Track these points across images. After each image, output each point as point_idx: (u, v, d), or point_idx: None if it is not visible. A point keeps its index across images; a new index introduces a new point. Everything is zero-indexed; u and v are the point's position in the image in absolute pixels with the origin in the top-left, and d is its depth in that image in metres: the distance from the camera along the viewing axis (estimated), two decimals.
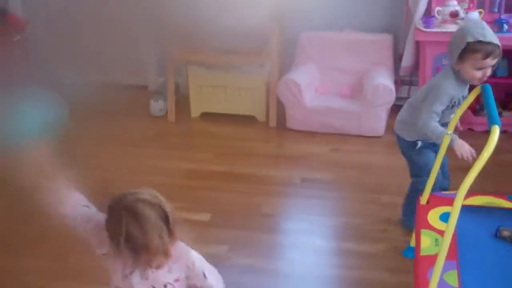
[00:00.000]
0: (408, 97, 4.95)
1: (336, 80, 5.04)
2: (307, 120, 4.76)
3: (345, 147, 4.57)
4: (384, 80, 4.62)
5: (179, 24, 4.85)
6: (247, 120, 5.04)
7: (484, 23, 2.95)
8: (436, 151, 3.06)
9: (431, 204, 2.93)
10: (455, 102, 3.02)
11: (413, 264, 3.00)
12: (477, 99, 4.39)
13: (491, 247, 2.64)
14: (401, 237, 3.38)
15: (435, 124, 2.93)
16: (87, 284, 3.03)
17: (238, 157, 4.43)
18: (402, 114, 3.30)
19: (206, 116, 5.16)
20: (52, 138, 4.22)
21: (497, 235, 2.69)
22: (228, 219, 3.61)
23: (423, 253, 2.56)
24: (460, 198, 2.14)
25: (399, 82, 5.01)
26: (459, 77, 2.98)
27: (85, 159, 4.30)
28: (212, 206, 3.73)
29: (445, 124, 2.96)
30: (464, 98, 3.00)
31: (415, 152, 3.28)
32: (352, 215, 3.64)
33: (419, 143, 3.24)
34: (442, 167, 3.18)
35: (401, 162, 4.08)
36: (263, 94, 4.98)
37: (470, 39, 2.82)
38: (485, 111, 2.53)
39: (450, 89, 2.97)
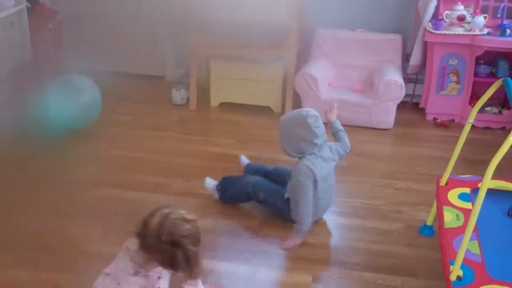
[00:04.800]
0: (413, 95, 5.33)
1: (348, 75, 5.40)
2: (321, 112, 5.06)
3: (357, 138, 4.87)
4: (395, 77, 4.98)
5: (201, 19, 5.15)
6: (263, 110, 5.35)
7: (298, 112, 3.54)
8: None
9: (449, 185, 3.28)
10: None
11: (429, 240, 3.39)
12: (477, 96, 4.77)
13: (504, 223, 3.01)
14: (416, 217, 3.72)
15: None
16: None
17: (258, 144, 4.73)
18: None
19: (225, 105, 5.47)
20: (88, 122, 4.56)
21: (509, 214, 3.06)
22: None
23: (447, 226, 2.91)
24: (488, 178, 2.44)
25: (406, 80, 5.35)
26: None
27: (117, 139, 4.62)
28: None
29: None
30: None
31: None
32: (370, 198, 3.97)
33: None
34: None
35: (410, 152, 4.47)
36: (280, 86, 5.30)
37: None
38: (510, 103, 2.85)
39: None
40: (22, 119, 4.76)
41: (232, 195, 3.73)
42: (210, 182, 3.83)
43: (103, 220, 3.62)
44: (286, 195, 3.56)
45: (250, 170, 4.03)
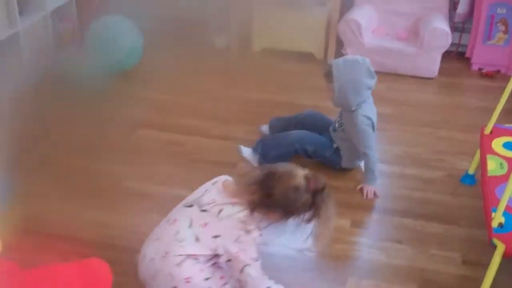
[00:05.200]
0: (459, 44, 5.23)
1: (393, 23, 5.31)
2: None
3: (400, 86, 4.86)
4: (441, 24, 4.88)
5: None
6: (305, 57, 5.31)
7: (353, 58, 3.41)
8: None
9: (494, 134, 3.23)
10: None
11: (471, 189, 3.37)
12: None
13: None
14: (459, 167, 3.69)
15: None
16: (174, 188, 3.35)
17: (299, 90, 4.71)
18: None
19: (266, 51, 5.44)
20: (130, 64, 4.58)
21: None
22: None
23: (490, 174, 2.88)
24: None
25: (452, 29, 5.24)
26: None
27: (159, 82, 4.66)
28: None
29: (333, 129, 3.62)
30: (337, 119, 3.57)
31: None
32: (411, 146, 3.94)
33: None
34: None
35: (454, 102, 4.41)
36: (323, 33, 5.24)
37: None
38: None
39: None
40: (64, 60, 4.80)
41: (278, 155, 3.52)
42: (246, 151, 3.70)
43: (145, 160, 3.68)
44: (335, 145, 3.55)
45: (276, 128, 3.89)
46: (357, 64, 3.33)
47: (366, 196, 3.39)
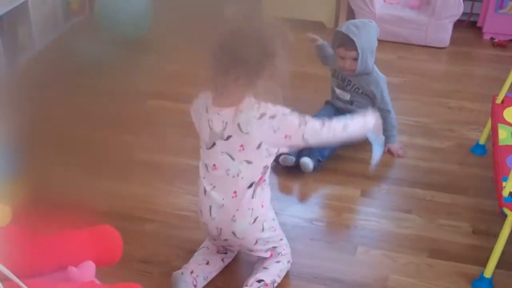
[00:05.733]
0: (470, 13, 5.17)
1: None
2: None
3: (412, 56, 4.82)
4: None
5: None
6: (315, 25, 5.25)
7: (362, 22, 3.37)
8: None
9: (505, 103, 3.21)
10: (334, 72, 3.57)
11: (481, 159, 3.36)
12: None
13: None
14: (469, 137, 3.67)
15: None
16: (181, 158, 3.38)
17: (309, 59, 4.67)
18: None
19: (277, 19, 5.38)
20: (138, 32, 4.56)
21: None
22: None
23: (501, 143, 2.86)
24: None
25: None
26: None
27: (171, 52, 4.63)
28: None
29: (336, 95, 3.61)
30: (343, 79, 3.53)
31: None
32: (421, 115, 3.91)
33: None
34: None
35: (465, 71, 4.38)
36: (333, 1, 5.19)
37: (338, 28, 3.37)
38: None
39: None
40: (72, 28, 4.79)
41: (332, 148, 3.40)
42: (309, 162, 3.32)
43: (157, 130, 3.68)
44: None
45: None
46: (369, 26, 3.36)
47: (398, 155, 3.42)
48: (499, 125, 3.01)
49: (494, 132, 2.98)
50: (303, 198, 3.20)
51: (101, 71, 4.24)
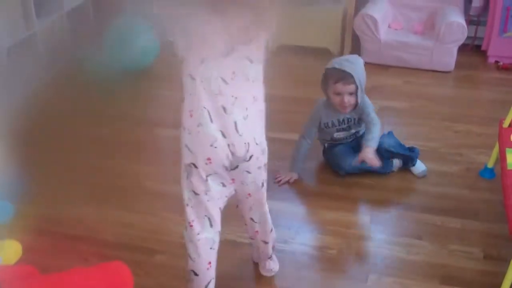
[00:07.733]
0: (475, 37, 5.20)
1: (409, 17, 5.30)
2: (381, 54, 5.02)
3: (417, 80, 4.84)
4: (457, 18, 4.85)
5: None
6: (321, 52, 5.28)
7: (351, 57, 3.40)
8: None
9: None
10: (327, 124, 3.48)
11: (490, 183, 3.35)
12: None
13: None
14: (477, 160, 3.66)
15: (301, 141, 3.49)
16: None
17: (316, 85, 4.68)
18: None
19: (283, 47, 5.41)
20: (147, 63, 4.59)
21: None
22: None
23: (509, 167, 2.86)
24: None
25: (467, 22, 5.20)
26: (330, 103, 3.41)
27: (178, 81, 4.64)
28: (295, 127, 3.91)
29: (335, 140, 3.57)
30: (341, 121, 3.48)
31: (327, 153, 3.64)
32: (429, 140, 3.92)
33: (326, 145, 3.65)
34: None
35: (471, 95, 4.38)
36: (339, 28, 5.23)
37: (328, 66, 3.33)
38: None
39: (318, 112, 3.47)
40: (83, 58, 4.82)
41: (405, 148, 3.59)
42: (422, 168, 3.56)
43: (163, 159, 3.69)
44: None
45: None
46: (359, 60, 3.40)
47: (371, 161, 3.27)
48: (507, 149, 3.01)
49: (502, 156, 2.98)
50: (312, 225, 3.19)
51: (109, 100, 4.26)
